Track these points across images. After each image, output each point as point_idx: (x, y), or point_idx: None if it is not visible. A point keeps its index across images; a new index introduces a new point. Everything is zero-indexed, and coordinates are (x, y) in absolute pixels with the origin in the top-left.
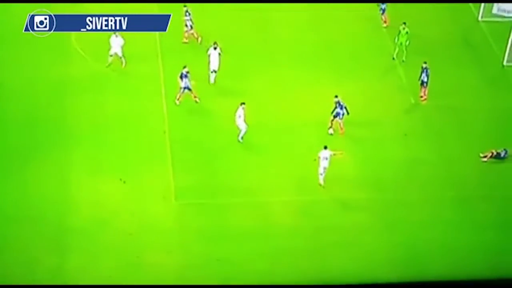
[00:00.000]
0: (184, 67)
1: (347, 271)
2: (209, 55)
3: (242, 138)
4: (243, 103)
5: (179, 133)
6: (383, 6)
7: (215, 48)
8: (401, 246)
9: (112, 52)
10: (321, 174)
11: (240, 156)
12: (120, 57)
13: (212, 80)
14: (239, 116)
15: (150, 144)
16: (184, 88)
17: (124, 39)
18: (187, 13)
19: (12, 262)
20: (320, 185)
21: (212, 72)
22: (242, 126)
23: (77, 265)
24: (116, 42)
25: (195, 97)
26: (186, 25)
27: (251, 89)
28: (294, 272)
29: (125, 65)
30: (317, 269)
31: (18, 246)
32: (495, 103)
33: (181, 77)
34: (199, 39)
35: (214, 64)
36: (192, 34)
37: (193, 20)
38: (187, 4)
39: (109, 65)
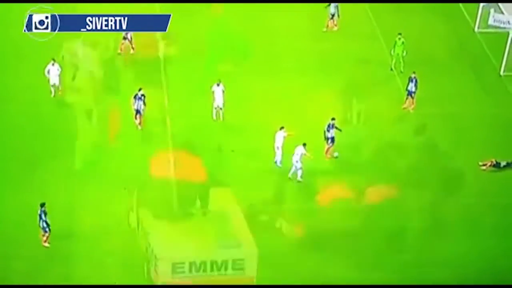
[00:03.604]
0: (140, 89)
1: (347, 277)
2: (213, 92)
3: (280, 163)
4: (283, 127)
5: (182, 141)
6: (333, 11)
7: (218, 85)
8: (400, 253)
9: (51, 82)
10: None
11: (241, 164)
12: (57, 86)
13: (220, 117)
14: (279, 140)
15: (154, 153)
16: (137, 111)
17: (61, 67)
18: None
19: (17, 271)
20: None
21: (216, 108)
22: (278, 151)
23: (82, 273)
24: (53, 71)
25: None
26: (126, 37)
27: (253, 99)
28: (295, 278)
29: (62, 93)
30: (318, 274)
31: (23, 254)
32: (493, 112)
33: (134, 99)
34: (133, 50)
35: (218, 101)
36: (127, 44)
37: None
38: None
39: (55, 94)
